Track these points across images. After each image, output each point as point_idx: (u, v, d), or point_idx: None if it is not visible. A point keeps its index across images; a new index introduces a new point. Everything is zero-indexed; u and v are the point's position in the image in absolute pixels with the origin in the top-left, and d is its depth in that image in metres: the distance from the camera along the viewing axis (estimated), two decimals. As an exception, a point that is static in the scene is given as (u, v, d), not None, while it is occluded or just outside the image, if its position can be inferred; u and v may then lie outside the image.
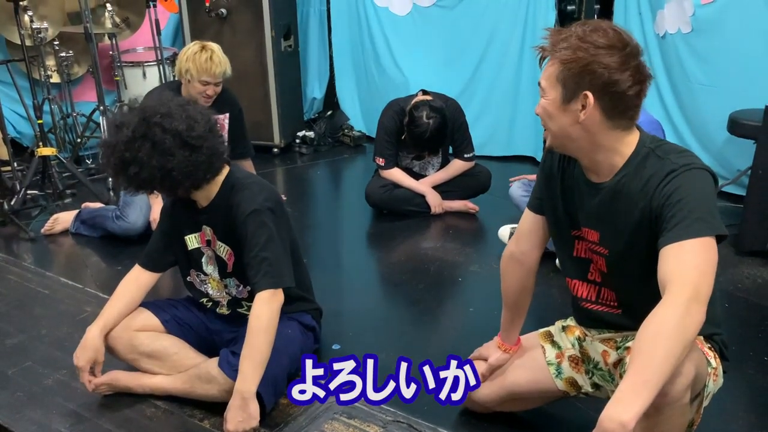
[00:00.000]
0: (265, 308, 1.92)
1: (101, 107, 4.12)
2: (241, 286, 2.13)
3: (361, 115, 5.14)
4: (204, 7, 4.49)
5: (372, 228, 3.62)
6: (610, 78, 1.39)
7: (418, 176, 3.70)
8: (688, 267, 1.30)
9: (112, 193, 3.87)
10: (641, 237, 1.48)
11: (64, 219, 3.49)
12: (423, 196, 3.62)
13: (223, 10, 4.48)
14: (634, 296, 1.60)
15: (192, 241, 2.14)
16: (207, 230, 2.10)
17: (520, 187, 3.27)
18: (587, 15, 4.33)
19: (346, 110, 5.17)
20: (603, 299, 1.67)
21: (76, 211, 3.49)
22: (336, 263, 3.29)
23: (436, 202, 3.62)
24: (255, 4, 4.43)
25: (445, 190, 3.66)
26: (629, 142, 1.50)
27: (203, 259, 2.14)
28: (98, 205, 3.54)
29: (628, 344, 1.62)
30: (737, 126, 3.29)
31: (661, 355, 1.21)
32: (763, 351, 2.35)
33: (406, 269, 3.08)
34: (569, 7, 4.34)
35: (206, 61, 2.97)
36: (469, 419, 2.02)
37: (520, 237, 1.80)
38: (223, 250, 2.09)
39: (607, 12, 4.29)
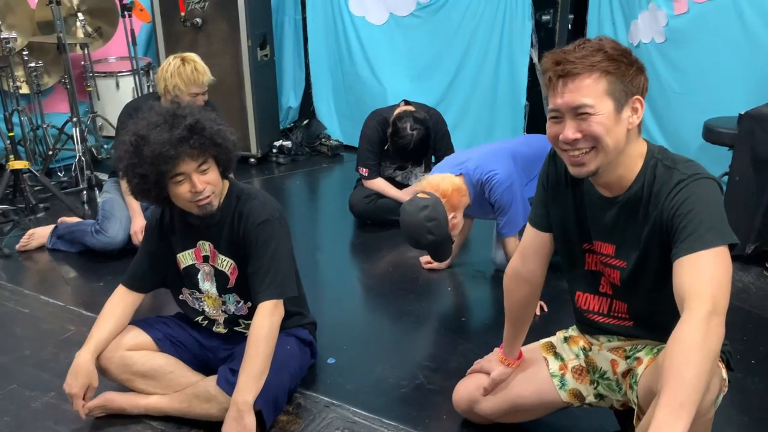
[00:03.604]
0: (267, 319, 1.91)
1: (74, 119, 4.03)
2: (242, 302, 2.09)
3: (338, 124, 5.13)
4: (179, 16, 4.42)
5: (356, 239, 3.60)
6: (647, 81, 1.46)
7: (401, 186, 3.70)
8: (704, 279, 1.31)
9: (86, 207, 3.79)
10: (654, 247, 1.50)
11: (40, 234, 3.39)
12: (406, 206, 3.62)
13: (198, 20, 4.42)
14: (646, 307, 1.61)
15: (186, 258, 2.09)
16: (205, 245, 2.06)
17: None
18: (562, 25, 4.41)
19: (323, 119, 5.15)
20: (614, 312, 1.68)
21: (53, 226, 3.40)
22: (321, 275, 3.26)
23: (419, 212, 3.62)
24: (231, 14, 4.38)
25: (428, 199, 3.67)
26: (642, 153, 1.52)
27: (199, 276, 2.10)
28: (75, 219, 3.45)
29: (638, 354, 1.64)
30: (712, 133, 3.35)
31: (692, 374, 1.21)
32: (747, 354, 2.40)
33: (393, 279, 3.07)
34: (544, 17, 4.42)
35: (192, 73, 2.94)
36: (470, 431, 2.02)
37: (526, 255, 1.78)
38: (226, 264, 2.05)
39: (581, 22, 4.38)
